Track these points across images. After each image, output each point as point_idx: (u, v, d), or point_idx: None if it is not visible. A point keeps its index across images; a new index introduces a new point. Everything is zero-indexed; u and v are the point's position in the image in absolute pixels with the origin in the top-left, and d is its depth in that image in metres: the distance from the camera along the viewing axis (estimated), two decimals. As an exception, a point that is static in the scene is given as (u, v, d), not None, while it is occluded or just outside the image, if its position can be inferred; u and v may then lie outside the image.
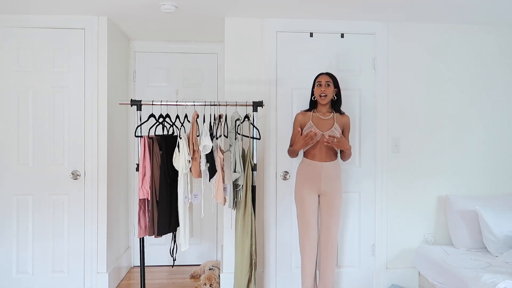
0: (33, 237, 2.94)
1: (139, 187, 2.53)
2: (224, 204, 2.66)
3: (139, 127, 2.59)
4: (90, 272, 2.97)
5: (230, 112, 2.76)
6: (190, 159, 2.51)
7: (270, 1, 2.65)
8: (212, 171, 2.55)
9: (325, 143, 2.49)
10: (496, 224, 2.74)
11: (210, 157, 2.54)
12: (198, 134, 2.57)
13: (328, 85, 2.59)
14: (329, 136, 2.48)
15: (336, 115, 2.68)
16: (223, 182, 2.58)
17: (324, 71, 2.79)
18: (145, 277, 2.72)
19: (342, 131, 2.68)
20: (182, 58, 3.73)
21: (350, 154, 2.72)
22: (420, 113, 3.12)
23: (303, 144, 2.53)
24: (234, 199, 2.62)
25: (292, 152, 2.69)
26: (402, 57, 3.10)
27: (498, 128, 3.19)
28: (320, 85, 2.60)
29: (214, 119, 2.61)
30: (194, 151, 2.52)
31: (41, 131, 2.94)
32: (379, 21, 3.05)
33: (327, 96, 2.59)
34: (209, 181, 2.60)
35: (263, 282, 3.02)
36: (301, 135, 2.59)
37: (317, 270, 2.72)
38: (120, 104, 2.65)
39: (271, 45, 3.00)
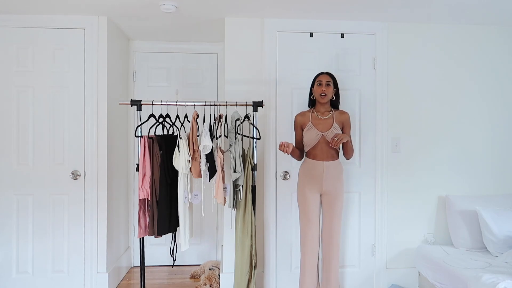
0: (33, 237, 2.94)
1: (139, 187, 2.53)
2: (224, 204, 2.66)
3: (139, 127, 2.59)
4: (90, 272, 2.97)
5: (230, 112, 2.76)
6: (190, 159, 2.51)
7: (270, 1, 2.65)
8: (212, 171, 2.55)
9: (334, 147, 2.47)
10: (496, 224, 2.74)
11: (210, 157, 2.54)
12: (198, 134, 2.57)
13: (328, 84, 2.60)
14: (333, 137, 2.45)
15: (335, 113, 2.68)
16: (223, 182, 2.58)
17: (324, 71, 2.79)
18: (145, 277, 2.72)
19: (342, 129, 2.68)
20: (182, 58, 3.73)
21: (352, 150, 2.69)
22: (420, 113, 3.12)
23: (291, 153, 2.57)
24: (234, 199, 2.61)
25: (295, 157, 2.73)
26: (402, 57, 3.10)
27: (498, 128, 3.19)
28: (321, 84, 2.60)
29: (214, 119, 2.61)
30: (194, 151, 2.52)
31: (41, 131, 2.94)
32: (379, 21, 3.05)
33: (327, 95, 2.60)
34: (209, 181, 2.60)
35: (263, 282, 3.02)
36: (301, 136, 2.67)
37: (318, 271, 2.72)
38: (120, 104, 2.65)
39: (271, 45, 3.00)
